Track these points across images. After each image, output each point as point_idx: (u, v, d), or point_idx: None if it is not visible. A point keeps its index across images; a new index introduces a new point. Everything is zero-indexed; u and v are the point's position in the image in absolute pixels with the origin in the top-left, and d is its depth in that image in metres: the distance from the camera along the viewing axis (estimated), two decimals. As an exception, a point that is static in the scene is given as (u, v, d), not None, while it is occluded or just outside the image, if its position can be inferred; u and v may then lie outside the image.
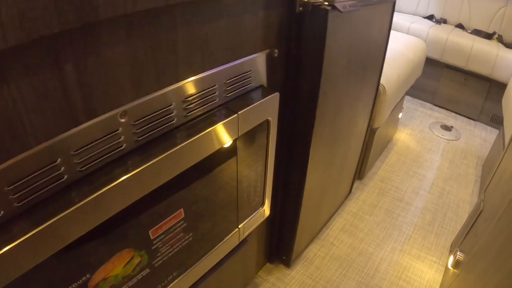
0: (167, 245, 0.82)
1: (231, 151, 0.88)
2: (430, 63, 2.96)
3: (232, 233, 1.04)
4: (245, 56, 0.85)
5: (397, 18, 3.14)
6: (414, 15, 3.37)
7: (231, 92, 0.84)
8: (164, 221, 0.78)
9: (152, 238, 0.77)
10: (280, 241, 1.55)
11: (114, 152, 0.64)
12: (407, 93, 2.80)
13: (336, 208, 1.90)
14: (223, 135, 0.79)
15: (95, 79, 0.57)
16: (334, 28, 1.00)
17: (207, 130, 0.75)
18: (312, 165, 1.26)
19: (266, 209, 1.15)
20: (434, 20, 3.21)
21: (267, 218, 1.20)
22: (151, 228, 0.76)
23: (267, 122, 0.94)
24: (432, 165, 2.37)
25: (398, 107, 2.29)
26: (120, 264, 0.72)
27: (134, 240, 0.74)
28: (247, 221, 1.08)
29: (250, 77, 0.88)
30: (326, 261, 1.68)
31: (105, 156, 0.63)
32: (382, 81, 1.71)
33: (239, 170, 0.93)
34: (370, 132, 1.87)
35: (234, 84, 0.84)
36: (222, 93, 0.81)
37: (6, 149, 0.49)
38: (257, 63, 0.89)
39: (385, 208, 2.00)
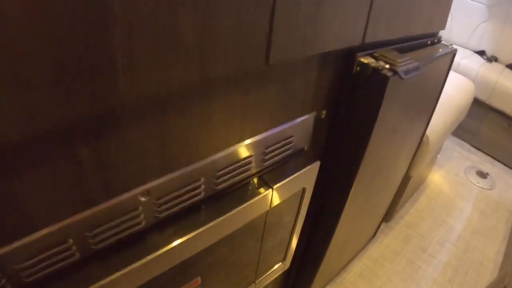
0: None
1: (259, 220, 0.82)
2: (475, 102, 2.83)
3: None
4: (290, 121, 0.78)
5: (448, 50, 3.00)
6: (465, 48, 3.22)
7: (269, 160, 0.77)
8: None
9: None
10: (296, 282, 1.49)
11: (131, 229, 0.59)
12: (447, 132, 2.69)
13: (357, 252, 1.83)
14: (253, 209, 0.73)
15: (115, 160, 0.51)
16: (391, 93, 0.92)
17: (236, 209, 0.69)
18: (342, 222, 1.19)
19: (287, 264, 1.09)
20: (485, 57, 3.07)
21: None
22: None
23: (303, 190, 0.87)
24: (462, 214, 2.26)
25: (438, 150, 2.19)
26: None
27: None
28: (265, 276, 1.03)
29: (292, 142, 0.81)
30: (339, 309, 1.61)
31: (121, 234, 0.58)
32: (427, 131, 1.61)
33: (265, 235, 0.87)
34: (406, 179, 1.78)
35: (273, 152, 0.77)
36: (259, 162, 0.75)
37: (14, 230, 0.45)
38: (301, 126, 0.81)
39: (407, 257, 1.91)
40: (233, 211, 0.68)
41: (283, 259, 1.06)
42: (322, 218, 1.19)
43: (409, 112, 1.19)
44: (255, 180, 0.75)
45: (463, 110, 2.12)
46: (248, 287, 0.99)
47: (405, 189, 1.84)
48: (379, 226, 1.90)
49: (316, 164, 0.84)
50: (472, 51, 3.17)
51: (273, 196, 0.75)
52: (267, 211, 0.78)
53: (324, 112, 0.87)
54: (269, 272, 1.03)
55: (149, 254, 0.58)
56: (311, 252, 1.31)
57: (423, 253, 1.95)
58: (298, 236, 1.03)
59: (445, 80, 1.42)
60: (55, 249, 0.50)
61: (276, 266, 1.05)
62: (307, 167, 0.81)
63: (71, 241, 0.51)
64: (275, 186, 0.74)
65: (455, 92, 2.10)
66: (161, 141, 0.55)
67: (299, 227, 0.98)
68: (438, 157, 2.69)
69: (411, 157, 1.63)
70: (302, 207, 0.91)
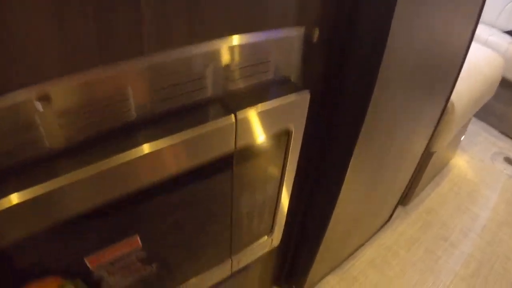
0: (120, 275, 0.57)
1: (222, 166, 0.60)
2: (503, 84, 2.56)
3: (222, 263, 0.78)
4: (263, 30, 0.55)
5: (475, 27, 2.75)
6: (492, 27, 2.96)
7: (234, 82, 0.55)
8: (108, 249, 0.52)
9: (91, 267, 0.52)
10: (292, 267, 1.28)
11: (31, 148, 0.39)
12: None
13: (368, 237, 1.60)
14: (210, 143, 0.52)
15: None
16: (403, 13, 0.69)
17: (182, 135, 0.48)
18: (347, 190, 0.97)
19: (275, 239, 0.88)
20: (514, 37, 2.80)
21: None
22: (87, 255, 0.50)
23: (287, 133, 0.65)
24: (488, 203, 2.01)
25: (463, 129, 1.94)
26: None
27: (60, 268, 0.49)
28: (244, 252, 0.81)
29: (269, 63, 0.58)
30: (343, 300, 1.39)
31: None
32: (453, 97, 1.38)
33: (235, 191, 0.65)
34: (427, 155, 1.54)
35: (240, 71, 0.55)
36: (218, 82, 0.53)
37: None
38: (283, 45, 0.59)
39: (425, 246, 1.68)
40: (178, 137, 0.46)
41: (270, 232, 0.84)
42: (320, 184, 0.98)
43: (431, 61, 0.97)
44: (212, 107, 0.53)
45: (491, 84, 1.88)
46: (221, 263, 0.78)
47: (426, 167, 1.61)
48: (394, 209, 1.66)
49: (304, 95, 0.61)
50: (501, 30, 2.91)
51: (238, 129, 0.53)
52: (233, 154, 0.56)
53: (316, 31, 0.64)
54: (250, 247, 0.82)
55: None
56: (309, 229, 1.09)
57: (444, 242, 1.71)
58: (288, 203, 0.82)
59: (473, 34, 1.19)
60: None
61: (260, 240, 0.84)
62: (290, 97, 0.59)
63: None
64: (239, 113, 0.52)
65: (483, 63, 1.86)
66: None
67: (287, 189, 0.76)
68: (462, 141, 2.44)
69: (433, 127, 1.39)
70: (288, 160, 0.69)
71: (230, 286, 0.94)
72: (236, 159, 0.57)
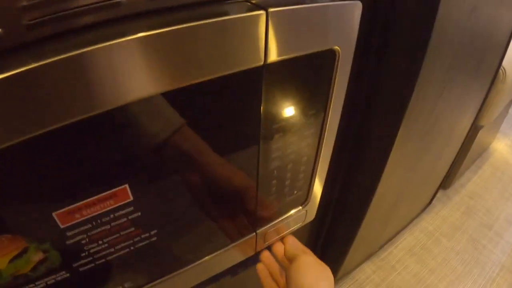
0: (102, 242, 0.43)
1: (247, 87, 0.43)
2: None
3: (245, 238, 0.64)
4: None
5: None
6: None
7: None
8: (84, 201, 0.39)
9: (62, 226, 0.38)
10: (326, 250, 1.14)
11: None
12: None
13: (408, 221, 1.45)
14: (225, 50, 0.37)
15: None
16: None
17: (180, 33, 0.33)
18: (392, 164, 0.83)
19: (310, 212, 0.73)
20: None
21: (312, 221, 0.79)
22: (55, 210, 0.37)
23: (333, 54, 0.49)
24: (533, 190, 1.85)
25: (506, 107, 1.77)
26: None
27: (18, 224, 0.36)
28: (273, 225, 0.68)
29: None
30: (381, 291, 1.25)
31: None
32: (504, 63, 1.23)
33: (264, 131, 0.49)
34: (474, 130, 1.39)
35: None
36: None
37: None
38: None
39: (469, 234, 1.52)
40: (183, 30, 0.33)
41: (304, 201, 0.70)
42: (366, 152, 0.84)
43: (483, 29, 0.82)
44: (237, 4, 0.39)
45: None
46: (246, 236, 0.64)
47: (471, 144, 1.45)
48: (436, 193, 1.51)
49: (355, 4, 0.47)
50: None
51: (270, 32, 0.39)
52: (262, 70, 0.42)
53: None
54: (281, 219, 0.68)
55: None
56: (348, 205, 0.96)
57: (489, 231, 1.56)
58: (327, 166, 0.68)
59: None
60: None
61: (292, 212, 0.70)
62: (338, 2, 0.44)
63: None
64: (271, 10, 0.38)
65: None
66: None
67: (328, 143, 0.62)
68: (503, 124, 2.27)
69: (483, 98, 1.24)
70: (333, 97, 0.54)
71: (253, 269, 0.80)
72: (266, 80, 0.43)
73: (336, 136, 0.62)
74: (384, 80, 0.72)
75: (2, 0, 0.26)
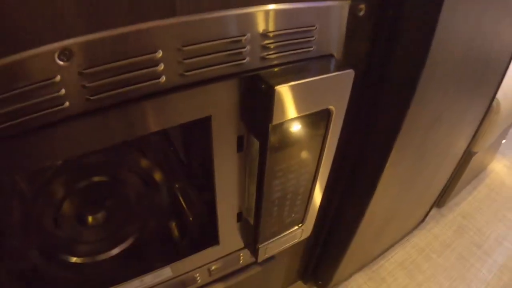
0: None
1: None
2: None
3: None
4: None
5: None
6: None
7: (273, 52, 0.51)
8: None
9: None
10: (320, 261, 1.23)
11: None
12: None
13: (401, 237, 1.54)
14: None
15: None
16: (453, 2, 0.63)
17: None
18: (384, 185, 0.92)
19: (306, 230, 0.83)
20: None
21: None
22: None
23: (328, 113, 0.61)
24: (526, 211, 1.92)
25: (504, 132, 1.85)
26: None
27: None
28: (271, 242, 0.77)
29: (312, 37, 0.54)
30: (370, 301, 1.34)
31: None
32: (498, 95, 1.30)
33: (268, 175, 0.60)
34: (468, 155, 1.47)
35: (280, 41, 0.50)
36: (256, 51, 0.49)
37: None
38: (327, 17, 0.54)
39: (458, 252, 1.60)
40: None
41: (301, 222, 0.80)
42: (356, 176, 0.93)
43: (479, 53, 0.90)
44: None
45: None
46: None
47: (465, 167, 1.53)
48: (430, 210, 1.60)
49: (349, 74, 0.56)
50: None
51: (275, 103, 0.49)
52: (269, 128, 0.53)
53: (362, 7, 0.59)
54: (278, 237, 0.78)
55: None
56: (341, 223, 1.05)
57: (478, 250, 1.63)
58: (322, 192, 0.77)
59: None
60: None
61: (289, 232, 0.80)
62: (333, 74, 0.54)
63: None
64: (278, 87, 0.48)
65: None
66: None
67: (323, 176, 0.72)
68: (503, 145, 2.33)
69: (477, 126, 1.32)
70: (327, 145, 0.64)
71: (254, 276, 0.90)
72: (272, 134, 0.53)
73: (332, 163, 0.72)
74: (377, 107, 0.80)
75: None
